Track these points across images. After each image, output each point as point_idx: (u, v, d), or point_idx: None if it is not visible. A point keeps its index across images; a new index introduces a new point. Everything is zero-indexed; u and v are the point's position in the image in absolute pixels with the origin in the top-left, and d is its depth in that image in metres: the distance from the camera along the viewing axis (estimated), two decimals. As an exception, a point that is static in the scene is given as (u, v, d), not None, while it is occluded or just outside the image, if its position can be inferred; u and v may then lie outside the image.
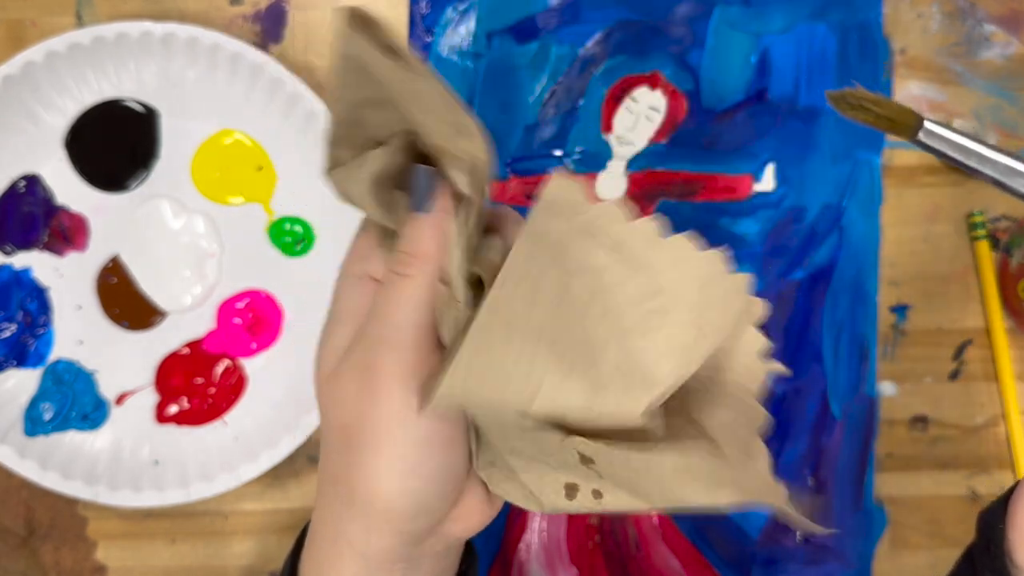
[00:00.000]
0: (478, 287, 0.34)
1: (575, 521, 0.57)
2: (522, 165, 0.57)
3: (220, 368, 0.56)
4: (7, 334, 0.55)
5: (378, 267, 0.35)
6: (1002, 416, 0.57)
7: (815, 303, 0.57)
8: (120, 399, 0.56)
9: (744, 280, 0.34)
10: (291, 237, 0.56)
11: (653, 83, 0.57)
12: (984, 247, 0.57)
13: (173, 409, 0.56)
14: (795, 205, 0.57)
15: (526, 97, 0.56)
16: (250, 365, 0.56)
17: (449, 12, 0.56)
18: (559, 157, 0.57)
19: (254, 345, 0.56)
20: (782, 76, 0.56)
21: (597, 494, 0.33)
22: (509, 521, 0.56)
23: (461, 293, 0.33)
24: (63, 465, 0.54)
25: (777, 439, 0.57)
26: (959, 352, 0.58)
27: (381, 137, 0.34)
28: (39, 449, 0.54)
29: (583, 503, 0.34)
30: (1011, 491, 0.41)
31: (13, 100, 0.54)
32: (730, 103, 0.56)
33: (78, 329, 0.56)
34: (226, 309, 0.56)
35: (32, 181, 0.56)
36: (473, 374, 0.31)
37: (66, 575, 0.57)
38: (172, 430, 0.56)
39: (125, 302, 0.56)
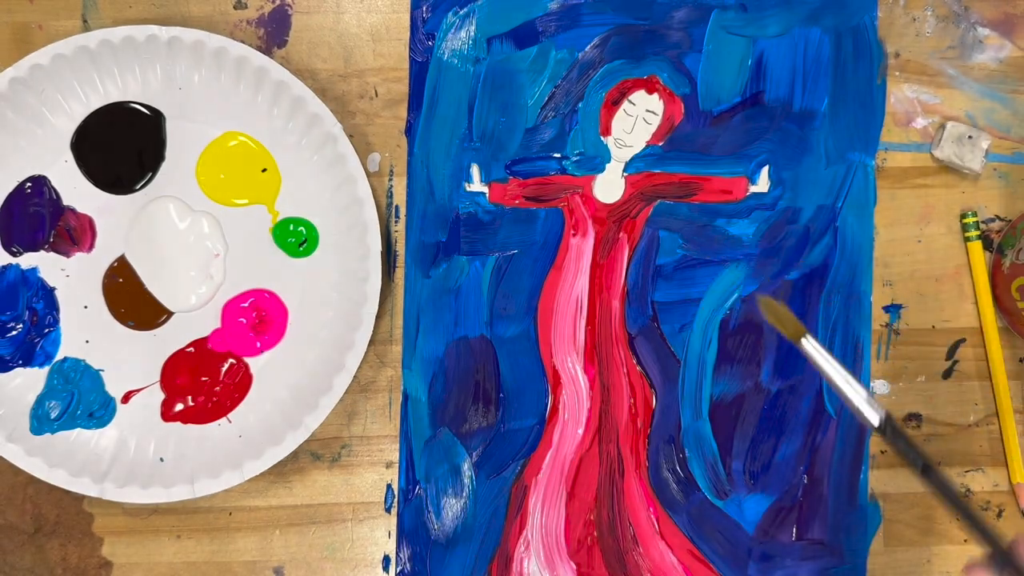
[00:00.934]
0: None
1: (574, 517, 0.57)
2: (522, 167, 0.57)
3: (225, 367, 0.56)
4: (14, 333, 0.56)
5: None
6: (995, 414, 0.58)
7: (810, 303, 0.57)
8: (126, 397, 0.56)
9: None
10: (295, 238, 0.56)
11: (650, 87, 0.57)
12: (977, 247, 0.57)
13: (179, 407, 0.56)
14: (790, 206, 0.57)
15: (526, 100, 0.57)
16: (255, 364, 0.57)
17: (450, 17, 0.57)
18: (558, 159, 0.57)
19: (259, 344, 0.57)
20: (778, 79, 0.57)
21: None
22: (508, 517, 0.57)
23: None
24: (70, 462, 0.54)
25: (772, 437, 0.57)
26: (952, 351, 0.58)
27: None
28: (46, 447, 0.55)
29: None
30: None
31: (20, 102, 0.54)
32: (726, 106, 0.57)
33: (85, 328, 0.56)
34: (231, 308, 0.57)
35: (39, 182, 0.56)
36: None
37: (72, 571, 0.57)
38: (178, 428, 0.56)
39: (131, 302, 0.56)
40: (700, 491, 0.57)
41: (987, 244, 0.58)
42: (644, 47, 0.57)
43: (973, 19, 0.58)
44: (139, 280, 0.56)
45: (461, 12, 0.57)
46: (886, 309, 0.58)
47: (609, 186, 0.57)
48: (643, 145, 0.57)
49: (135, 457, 0.55)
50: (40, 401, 0.56)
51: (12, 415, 0.55)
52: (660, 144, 0.57)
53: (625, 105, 0.57)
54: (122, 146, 0.56)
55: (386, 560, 0.57)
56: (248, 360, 0.57)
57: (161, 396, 0.56)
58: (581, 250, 0.57)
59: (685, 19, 0.57)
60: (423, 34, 0.57)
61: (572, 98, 0.57)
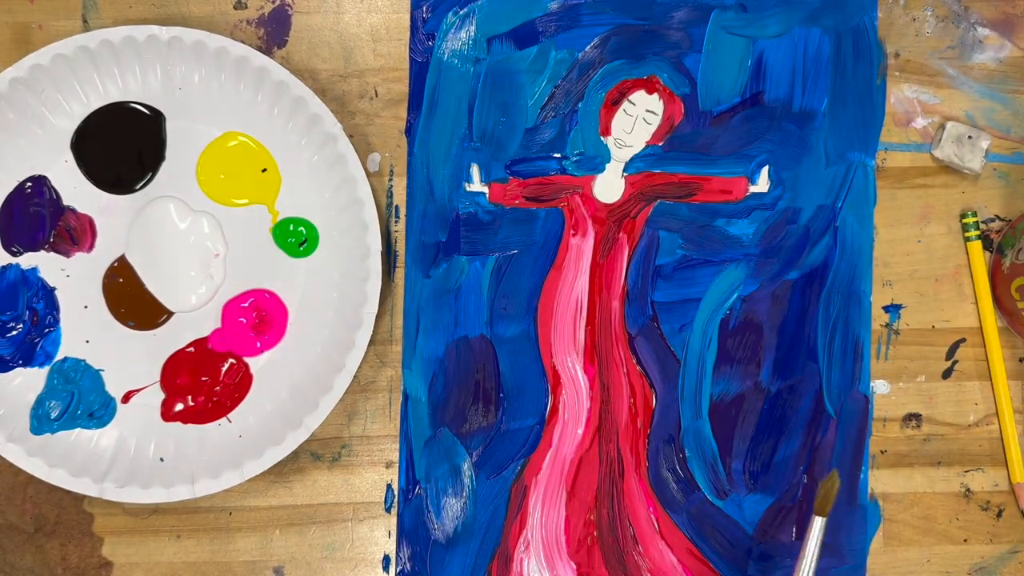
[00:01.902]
0: None
1: (574, 517, 0.57)
2: (522, 167, 0.57)
3: (225, 367, 0.56)
4: (14, 333, 0.56)
5: None
6: (995, 414, 0.58)
7: (810, 303, 0.57)
8: (126, 397, 0.56)
9: None
10: (295, 238, 0.57)
11: (650, 87, 0.57)
12: (977, 247, 0.57)
13: (179, 407, 0.56)
14: (790, 206, 0.57)
15: (526, 100, 0.57)
16: (255, 364, 0.57)
17: (450, 17, 0.57)
18: (558, 159, 0.57)
19: (259, 344, 0.57)
20: (777, 80, 0.57)
21: None
22: (508, 517, 0.57)
23: None
24: (70, 462, 0.54)
25: (773, 437, 0.57)
26: (952, 351, 0.58)
27: None
28: (46, 447, 0.55)
29: None
30: None
31: (20, 102, 0.55)
32: (726, 106, 0.57)
33: (85, 328, 0.56)
34: (231, 309, 0.57)
35: (39, 182, 0.56)
36: None
37: (72, 571, 0.57)
38: (178, 428, 0.56)
39: (131, 302, 0.56)
40: (700, 491, 0.57)
41: (987, 244, 0.58)
42: (644, 47, 0.57)
43: (973, 19, 0.58)
44: (139, 280, 0.56)
45: (461, 12, 0.57)
46: (886, 309, 0.58)
47: (609, 186, 0.57)
48: (643, 145, 0.57)
49: (135, 457, 0.55)
50: (40, 401, 0.56)
51: (12, 415, 0.55)
52: (660, 144, 0.57)
53: (625, 105, 0.57)
54: (122, 146, 0.56)
55: (386, 560, 0.57)
56: (248, 360, 0.57)
57: (161, 396, 0.56)
58: (581, 250, 0.57)
59: (685, 19, 0.57)
60: (423, 34, 0.57)
61: (572, 98, 0.57)
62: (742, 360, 0.57)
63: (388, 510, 0.57)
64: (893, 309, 0.58)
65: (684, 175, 0.57)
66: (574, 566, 0.57)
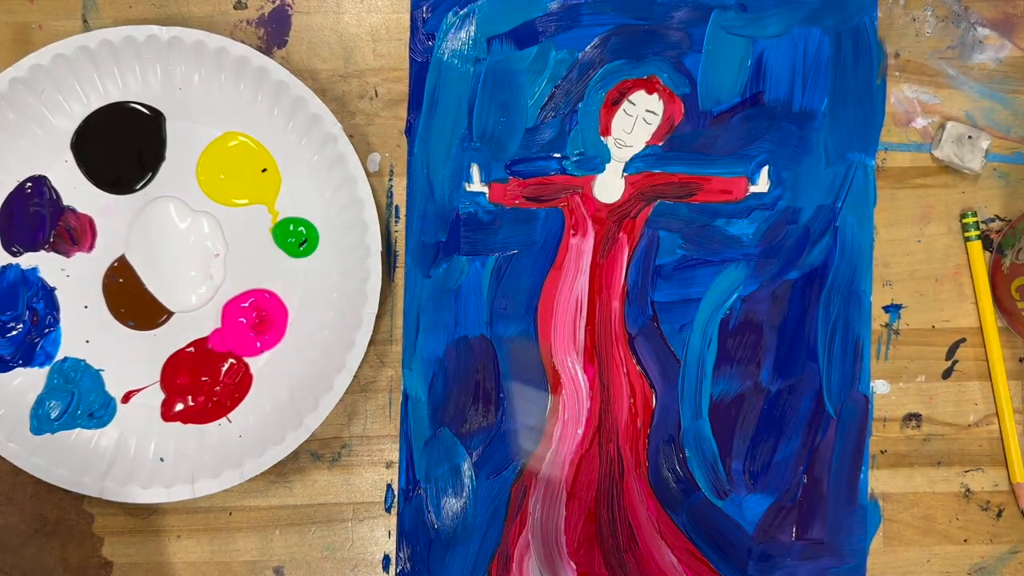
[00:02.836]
0: None
1: (573, 516, 0.57)
2: (521, 167, 0.57)
3: (225, 367, 0.56)
4: (14, 333, 0.56)
5: None
6: (995, 414, 0.58)
7: (810, 303, 0.57)
8: (126, 397, 0.56)
9: None
10: (295, 238, 0.57)
11: (650, 87, 0.57)
12: (977, 247, 0.57)
13: (179, 407, 0.56)
14: (790, 206, 0.57)
15: (526, 100, 0.57)
16: (255, 364, 0.57)
17: (450, 17, 0.57)
18: (558, 159, 0.57)
19: (259, 344, 0.57)
20: (777, 80, 0.57)
21: None
22: (508, 517, 0.57)
23: None
24: (70, 462, 0.54)
25: (772, 437, 0.57)
26: (952, 351, 0.58)
27: None
28: (46, 447, 0.55)
29: None
30: None
31: (20, 102, 0.55)
32: (726, 106, 0.57)
33: (85, 328, 0.56)
34: (231, 308, 0.57)
35: (39, 182, 0.56)
36: None
37: (72, 571, 0.57)
38: (178, 428, 0.56)
39: (132, 302, 0.56)
40: (700, 491, 0.57)
41: (987, 244, 0.58)
42: (644, 47, 0.57)
43: (973, 19, 0.58)
44: (139, 280, 0.56)
45: (461, 12, 0.57)
46: (886, 309, 0.58)
47: (609, 186, 0.57)
48: (643, 145, 0.57)
49: (135, 457, 0.55)
50: (40, 401, 0.56)
51: (12, 415, 0.55)
52: (660, 144, 0.57)
53: (625, 105, 0.57)
54: (122, 146, 0.56)
55: (386, 560, 0.57)
56: (248, 360, 0.57)
57: (161, 396, 0.56)
58: (581, 250, 0.57)
59: (685, 19, 0.57)
60: (423, 34, 0.57)
61: (572, 98, 0.57)
62: (742, 360, 0.57)
63: (388, 510, 0.57)
64: (893, 309, 0.58)
65: (684, 175, 0.57)
66: (574, 566, 0.57)
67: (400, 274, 0.57)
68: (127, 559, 0.57)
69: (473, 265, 0.57)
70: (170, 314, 0.56)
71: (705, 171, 0.57)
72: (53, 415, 0.56)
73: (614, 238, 0.57)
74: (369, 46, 0.58)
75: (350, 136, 0.56)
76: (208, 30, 0.54)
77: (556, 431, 0.57)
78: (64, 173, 0.56)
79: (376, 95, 0.58)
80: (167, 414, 0.56)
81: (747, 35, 0.57)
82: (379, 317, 0.57)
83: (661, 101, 0.57)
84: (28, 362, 0.56)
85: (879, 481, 0.57)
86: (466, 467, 0.57)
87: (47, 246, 0.56)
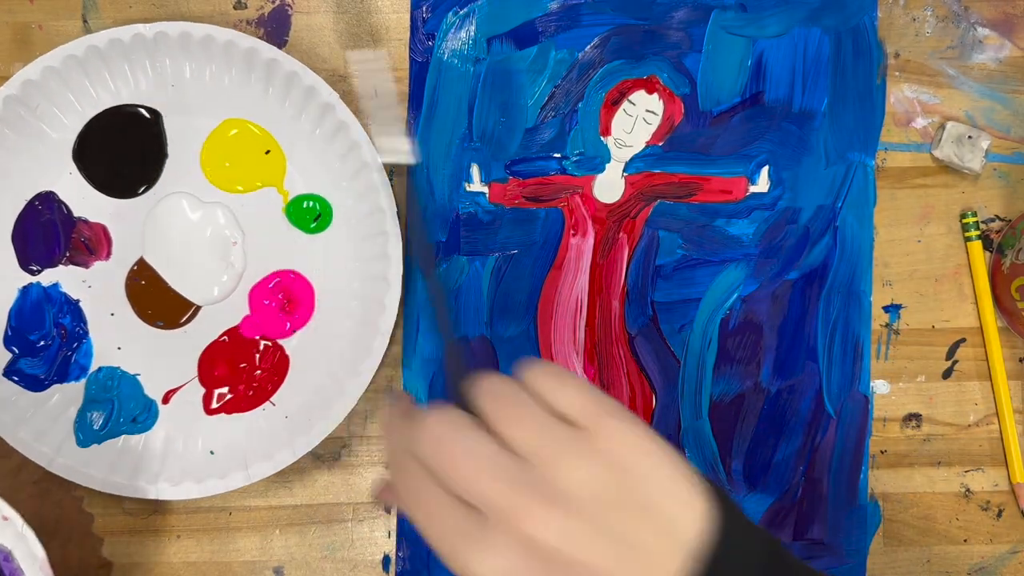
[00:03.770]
0: None
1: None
2: (521, 167, 0.57)
3: (260, 351, 0.56)
4: (45, 351, 0.56)
5: None
6: (995, 414, 0.58)
7: (810, 303, 0.57)
8: (166, 397, 0.56)
9: None
10: (309, 214, 0.56)
11: (650, 87, 0.57)
12: (977, 247, 0.57)
13: (220, 399, 0.56)
14: (790, 206, 0.57)
15: (526, 100, 0.57)
16: (289, 344, 0.57)
17: (450, 17, 0.57)
18: (558, 159, 0.57)
19: (289, 324, 0.56)
20: (777, 80, 0.57)
21: None
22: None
23: None
24: (123, 469, 0.54)
25: (772, 437, 0.57)
26: (952, 351, 0.58)
27: None
28: (96, 458, 0.55)
29: None
30: None
31: (16, 120, 0.54)
32: (726, 106, 0.57)
33: (115, 336, 0.56)
34: (257, 293, 0.56)
35: (47, 198, 0.56)
36: None
37: (72, 571, 0.57)
38: (223, 419, 0.56)
39: (157, 302, 0.56)
40: (700, 491, 0.57)
41: (987, 244, 0.58)
42: (644, 47, 0.57)
43: (973, 19, 0.58)
44: (161, 279, 0.56)
45: (461, 12, 0.57)
46: (886, 309, 0.58)
47: (609, 186, 0.57)
48: (643, 145, 0.57)
49: (185, 454, 0.55)
50: (82, 414, 0.56)
51: (57, 432, 0.55)
52: (660, 144, 0.57)
53: (625, 105, 0.57)
54: (124, 150, 0.56)
55: (386, 560, 0.57)
56: (282, 342, 0.56)
57: (201, 391, 0.56)
58: (581, 250, 0.57)
59: (685, 19, 0.57)
60: (423, 34, 0.57)
61: (572, 98, 0.57)
62: (742, 360, 0.57)
63: (388, 510, 0.57)
64: (893, 309, 0.58)
65: (684, 175, 0.57)
66: (574, 566, 0.57)
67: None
68: (127, 559, 0.57)
69: (473, 265, 0.57)
70: (197, 308, 0.56)
71: (705, 171, 0.57)
72: (97, 426, 0.55)
73: (614, 238, 0.57)
74: (369, 46, 0.58)
75: (350, 136, 0.56)
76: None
77: (556, 431, 0.57)
78: (70, 185, 0.56)
79: (376, 95, 0.58)
80: (209, 407, 0.56)
81: (747, 35, 0.57)
82: (379, 317, 0.57)
83: (661, 101, 0.57)
84: (64, 378, 0.56)
85: (879, 481, 0.57)
86: (466, 467, 0.57)
87: (65, 260, 0.56)
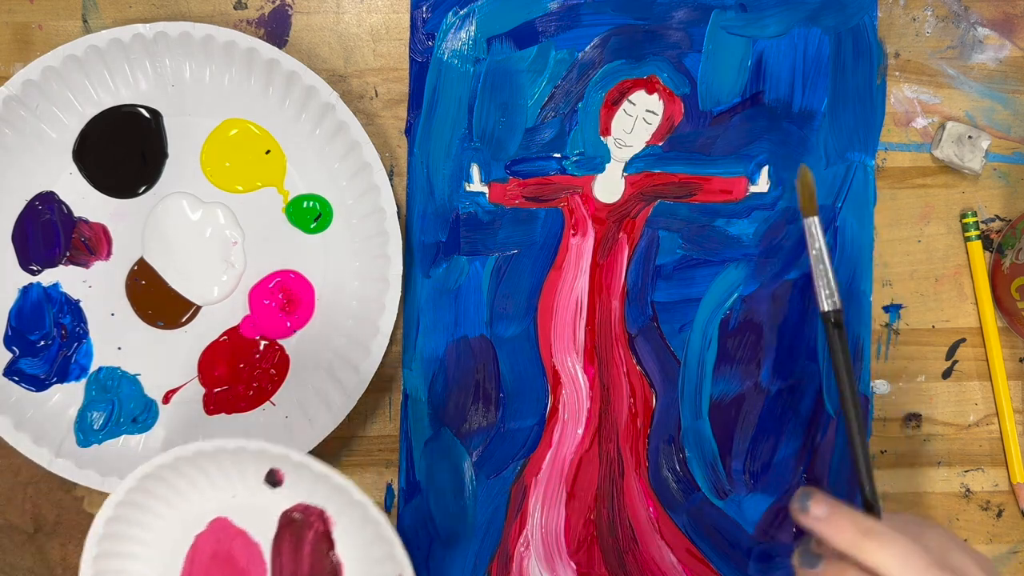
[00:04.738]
0: None
1: (573, 516, 0.57)
2: (522, 167, 0.57)
3: (260, 351, 0.56)
4: (46, 351, 0.56)
5: None
6: (995, 414, 0.58)
7: (810, 303, 0.57)
8: (167, 397, 0.56)
9: None
10: (309, 214, 0.56)
11: (650, 87, 0.57)
12: (977, 247, 0.57)
13: (220, 398, 0.56)
14: (790, 206, 0.57)
15: (526, 100, 0.57)
16: (289, 344, 0.57)
17: (450, 17, 0.57)
18: (558, 159, 0.57)
19: (289, 324, 0.56)
20: (777, 80, 0.57)
21: None
22: (508, 517, 0.57)
23: None
24: (122, 469, 0.54)
25: (772, 437, 0.57)
26: (952, 351, 0.58)
27: None
28: (96, 458, 0.55)
29: None
30: None
31: (16, 120, 0.54)
32: (726, 106, 0.57)
33: (115, 335, 0.56)
34: (257, 293, 0.57)
35: (47, 198, 0.56)
36: None
37: (72, 571, 0.57)
38: (223, 419, 0.56)
39: (157, 302, 0.56)
40: (700, 491, 0.57)
41: (987, 244, 0.58)
42: (644, 47, 0.57)
43: (973, 19, 0.58)
44: (161, 280, 0.56)
45: (461, 12, 0.57)
46: (886, 309, 0.58)
47: (609, 186, 0.57)
48: (643, 145, 0.57)
49: None
50: (82, 414, 0.56)
51: (57, 431, 0.55)
52: (660, 144, 0.57)
53: (625, 105, 0.57)
54: (124, 150, 0.56)
55: (386, 560, 0.57)
56: (282, 341, 0.57)
57: (201, 391, 0.56)
58: (581, 250, 0.57)
59: (685, 19, 0.57)
60: (423, 34, 0.57)
61: (572, 98, 0.57)
62: (742, 360, 0.57)
63: (388, 510, 0.57)
64: (893, 309, 0.58)
65: (684, 175, 0.57)
66: (574, 566, 0.57)
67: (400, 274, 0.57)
68: (127, 559, 0.57)
69: (473, 265, 0.57)
70: (197, 308, 0.56)
71: (705, 171, 0.57)
72: (97, 426, 0.56)
73: (614, 238, 0.57)
74: (369, 46, 0.58)
75: (350, 136, 0.56)
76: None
77: (556, 431, 0.57)
78: (71, 185, 0.56)
79: (376, 95, 0.58)
80: (209, 407, 0.56)
81: (747, 35, 0.57)
82: (379, 317, 0.57)
83: (661, 101, 0.57)
84: (64, 378, 0.56)
85: (879, 481, 0.57)
86: (466, 467, 0.57)
87: (65, 260, 0.56)
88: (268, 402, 0.56)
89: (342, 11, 0.58)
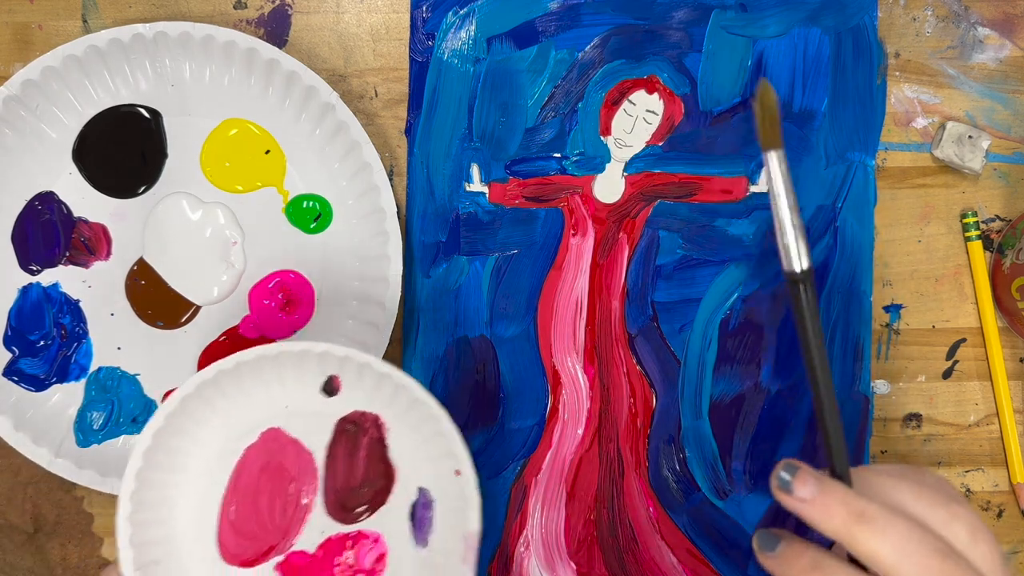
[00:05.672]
0: None
1: (573, 517, 0.57)
2: (522, 167, 0.57)
3: None
4: (45, 351, 0.56)
5: None
6: (995, 414, 0.58)
7: (810, 303, 0.57)
8: (166, 397, 0.56)
9: None
10: (309, 214, 0.56)
11: (650, 87, 0.57)
12: (977, 247, 0.57)
13: None
14: (790, 206, 0.57)
15: (526, 100, 0.57)
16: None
17: (450, 17, 0.57)
18: (558, 159, 0.57)
19: (289, 324, 0.56)
20: (777, 80, 0.57)
21: None
22: (508, 517, 0.57)
23: None
24: (121, 469, 0.53)
25: (772, 437, 0.57)
26: (952, 351, 0.58)
27: None
28: (96, 458, 0.55)
29: None
30: None
31: (16, 120, 0.54)
32: (726, 106, 0.57)
33: (114, 336, 0.56)
34: (257, 293, 0.56)
35: (47, 198, 0.56)
36: None
37: (72, 571, 0.57)
38: None
39: (157, 302, 0.56)
40: (700, 491, 0.57)
41: (987, 244, 0.58)
42: (644, 47, 0.57)
43: (973, 19, 0.58)
44: (161, 280, 0.56)
45: (461, 12, 0.57)
46: (886, 309, 0.58)
47: (609, 186, 0.57)
48: (643, 145, 0.57)
49: None
50: (82, 414, 0.56)
51: (57, 432, 0.55)
52: (660, 144, 0.57)
53: (625, 105, 0.57)
54: (123, 150, 0.56)
55: (386, 560, 0.57)
56: (283, 341, 0.56)
57: None
58: (581, 250, 0.57)
59: (685, 19, 0.57)
60: (423, 34, 0.57)
61: (572, 98, 0.57)
62: (742, 360, 0.57)
63: (388, 510, 0.57)
64: (893, 309, 0.58)
65: (684, 175, 0.57)
66: (574, 566, 0.57)
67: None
68: (127, 559, 0.57)
69: (473, 265, 0.57)
70: (197, 308, 0.56)
71: (705, 171, 0.57)
72: (96, 426, 0.56)
73: (614, 238, 0.57)
74: (369, 46, 0.58)
75: (350, 136, 0.56)
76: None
77: (556, 431, 0.57)
78: (70, 185, 0.56)
79: (376, 95, 0.58)
80: None
81: (747, 35, 0.57)
82: (379, 317, 0.57)
83: (661, 101, 0.57)
84: (64, 378, 0.56)
85: (879, 481, 0.57)
86: (466, 467, 0.57)
87: (64, 260, 0.56)
88: None
89: (342, 11, 0.58)
